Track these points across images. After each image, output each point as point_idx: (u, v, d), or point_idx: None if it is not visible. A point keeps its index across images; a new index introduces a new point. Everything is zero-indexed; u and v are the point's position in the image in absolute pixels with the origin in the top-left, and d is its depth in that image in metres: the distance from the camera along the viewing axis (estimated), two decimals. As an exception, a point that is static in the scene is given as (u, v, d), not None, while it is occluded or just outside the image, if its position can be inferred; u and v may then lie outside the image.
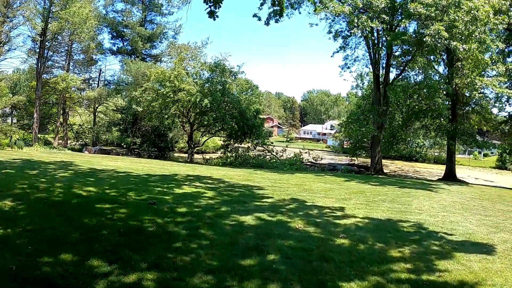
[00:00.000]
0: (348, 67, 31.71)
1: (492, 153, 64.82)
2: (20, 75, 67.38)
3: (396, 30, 26.61)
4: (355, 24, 24.23)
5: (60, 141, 41.93)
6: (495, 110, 32.36)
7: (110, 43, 50.49)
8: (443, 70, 30.71)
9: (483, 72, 27.43)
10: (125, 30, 45.76)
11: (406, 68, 30.36)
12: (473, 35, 22.65)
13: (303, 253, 6.13)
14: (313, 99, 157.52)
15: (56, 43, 40.16)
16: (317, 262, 5.76)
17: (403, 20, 24.25)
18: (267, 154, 37.11)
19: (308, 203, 10.79)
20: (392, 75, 30.89)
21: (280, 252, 6.08)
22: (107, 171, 15.62)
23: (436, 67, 29.79)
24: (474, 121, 33.34)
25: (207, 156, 43.24)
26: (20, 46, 40.37)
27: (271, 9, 23.16)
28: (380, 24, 25.02)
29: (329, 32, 29.16)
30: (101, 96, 43.84)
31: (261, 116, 41.15)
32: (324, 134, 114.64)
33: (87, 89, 45.71)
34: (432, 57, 28.09)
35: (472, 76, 26.24)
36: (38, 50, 37.32)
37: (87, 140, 49.12)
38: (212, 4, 8.46)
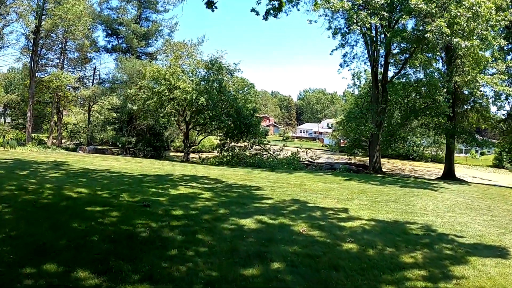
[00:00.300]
0: (348, 65, 31.40)
1: (488, 151, 64.84)
2: (15, 74, 66.90)
3: (395, 27, 26.29)
4: (355, 20, 23.88)
5: (54, 140, 41.43)
6: (493, 109, 32.20)
7: (105, 40, 50.05)
8: (442, 68, 30.42)
9: (483, 70, 27.16)
10: (120, 27, 45.30)
11: (405, 66, 30.02)
12: (475, 32, 22.35)
13: (309, 260, 5.65)
14: (310, 98, 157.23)
15: (50, 40, 39.65)
16: (325, 271, 5.29)
17: (403, 16, 23.87)
18: (264, 153, 36.78)
19: (309, 204, 10.34)
20: (390, 73, 30.75)
21: (285, 259, 5.61)
22: (100, 171, 15.11)
23: (434, 65, 29.48)
24: (472, 119, 33.10)
25: (203, 155, 42.82)
26: (13, 43, 39.91)
27: (270, 5, 22.65)
28: (379, 20, 24.68)
29: (329, 28, 28.92)
30: (96, 95, 43.34)
31: (257, 115, 40.76)
32: (321, 133, 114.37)
33: (81, 87, 45.17)
34: (429, 55, 27.84)
35: (473, 74, 25.95)
36: (31, 48, 36.72)
37: (82, 139, 48.65)
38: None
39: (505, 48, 28.46)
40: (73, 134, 49.78)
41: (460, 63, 27.65)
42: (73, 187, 10.16)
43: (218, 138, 40.37)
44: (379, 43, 28.73)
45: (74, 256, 5.15)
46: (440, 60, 30.83)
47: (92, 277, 4.56)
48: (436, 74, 27.78)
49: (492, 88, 26.78)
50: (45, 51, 39.87)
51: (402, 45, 28.22)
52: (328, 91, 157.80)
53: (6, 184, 9.87)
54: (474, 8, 21.60)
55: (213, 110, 33.19)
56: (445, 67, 29.62)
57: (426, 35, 22.62)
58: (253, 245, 6.20)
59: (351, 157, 50.89)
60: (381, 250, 6.44)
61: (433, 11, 22.47)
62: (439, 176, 33.75)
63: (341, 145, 66.12)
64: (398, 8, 26.07)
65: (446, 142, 32.44)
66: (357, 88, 40.87)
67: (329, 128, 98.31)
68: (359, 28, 24.69)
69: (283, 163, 32.29)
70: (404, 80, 30.08)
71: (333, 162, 48.63)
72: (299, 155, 37.06)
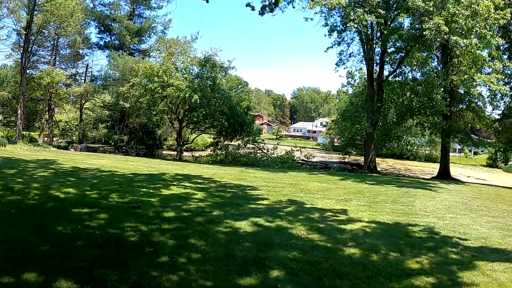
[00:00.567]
0: (344, 63, 31.02)
1: (482, 151, 64.97)
2: (6, 71, 65.96)
3: (392, 25, 26.06)
4: (351, 18, 23.57)
5: (46, 138, 40.77)
6: (489, 108, 32.11)
7: (98, 37, 49.41)
8: (438, 67, 30.21)
9: (480, 69, 26.99)
10: (112, 24, 44.67)
11: (400, 65, 29.77)
12: (473, 30, 22.13)
13: (310, 267, 5.28)
14: (303, 97, 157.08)
15: (42, 37, 38.91)
16: (328, 279, 4.93)
17: (400, 14, 23.62)
18: (258, 152, 36.45)
19: (307, 205, 9.99)
20: (385, 72, 30.41)
21: (284, 266, 5.23)
22: (91, 170, 14.67)
23: (430, 64, 29.29)
24: (467, 118, 32.96)
25: (197, 153, 42.41)
26: (4, 39, 39.16)
27: (266, 0, 22.38)
28: (376, 18, 24.41)
29: (325, 25, 28.53)
30: (88, 92, 42.68)
31: (251, 113, 40.40)
32: (314, 131, 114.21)
33: (73, 84, 44.45)
34: (425, 53, 27.61)
35: (470, 73, 25.77)
36: (23, 44, 36.01)
37: (74, 137, 47.99)
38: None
39: (501, 47, 28.29)
40: (64, 132, 49.12)
41: (457, 62, 27.43)
42: (61, 187, 9.73)
43: (212, 136, 40.02)
44: (375, 41, 28.46)
45: (57, 264, 4.75)
46: (436, 59, 30.65)
47: (75, 287, 4.17)
48: (432, 73, 27.59)
49: (488, 87, 26.64)
50: (36, 47, 39.11)
51: (398, 43, 27.96)
52: (322, 90, 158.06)
53: (-9, 184, 9.45)
54: (472, 6, 21.39)
55: (207, 108, 32.77)
56: (441, 66, 29.41)
57: (424, 33, 22.34)
58: (250, 250, 5.82)
59: (345, 156, 50.65)
60: (385, 255, 6.09)
61: (431, 9, 22.24)
62: (434, 175, 33.64)
63: (335, 144, 65.89)
64: (394, 6, 25.85)
65: (442, 142, 32.31)
66: (351, 87, 40.69)
67: (323, 126, 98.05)
68: (355, 25, 24.36)
69: (277, 162, 31.98)
70: (400, 79, 29.87)
71: (327, 161, 48.38)
72: (293, 154, 36.72)
